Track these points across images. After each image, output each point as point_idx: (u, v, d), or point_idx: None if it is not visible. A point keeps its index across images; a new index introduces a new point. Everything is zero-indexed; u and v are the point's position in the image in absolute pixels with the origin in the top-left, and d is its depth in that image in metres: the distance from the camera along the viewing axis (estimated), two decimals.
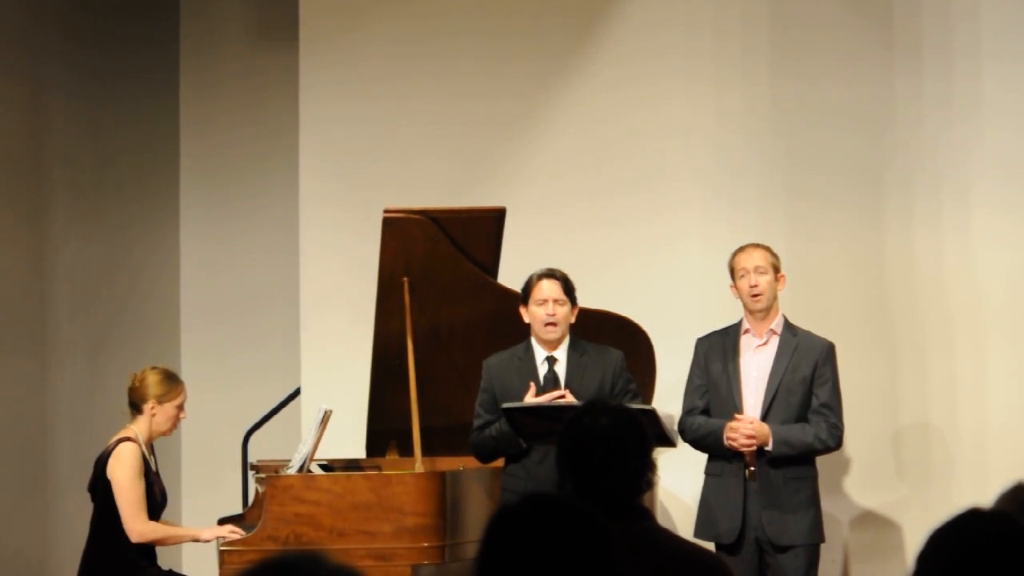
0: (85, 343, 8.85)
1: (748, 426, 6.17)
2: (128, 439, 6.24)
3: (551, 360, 6.27)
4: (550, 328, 6.21)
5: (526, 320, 6.28)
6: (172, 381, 6.37)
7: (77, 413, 8.64)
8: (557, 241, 7.62)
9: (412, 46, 7.95)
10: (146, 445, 6.29)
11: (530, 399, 6.10)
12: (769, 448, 6.16)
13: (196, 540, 6.47)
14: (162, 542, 6.39)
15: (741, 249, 6.43)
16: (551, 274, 6.27)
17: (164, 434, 6.39)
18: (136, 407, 6.32)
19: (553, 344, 6.26)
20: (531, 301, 6.26)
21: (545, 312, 6.22)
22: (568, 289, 6.26)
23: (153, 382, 6.31)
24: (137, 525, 6.18)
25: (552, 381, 6.21)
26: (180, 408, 6.36)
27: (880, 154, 7.50)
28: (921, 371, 7.42)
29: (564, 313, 6.24)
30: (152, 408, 6.29)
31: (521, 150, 7.87)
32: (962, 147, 7.38)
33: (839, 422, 6.29)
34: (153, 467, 6.34)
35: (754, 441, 6.15)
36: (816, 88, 7.55)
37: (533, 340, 6.30)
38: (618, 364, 6.27)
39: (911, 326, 7.44)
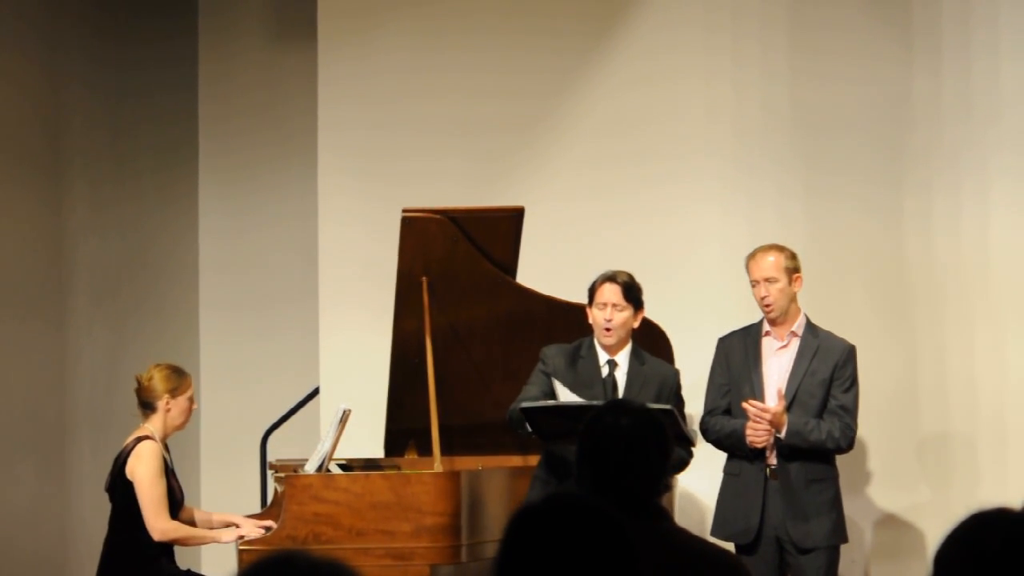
0: (104, 341, 8.85)
1: (765, 413, 6.11)
2: (147, 437, 6.25)
3: (612, 364, 6.19)
4: (606, 333, 6.13)
5: (590, 321, 6.22)
6: (180, 374, 6.40)
7: (96, 410, 8.65)
8: (576, 239, 7.60)
9: (430, 45, 7.95)
10: (162, 442, 6.30)
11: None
12: (781, 435, 6.13)
13: (217, 542, 6.48)
14: (184, 542, 6.39)
15: (752, 255, 6.36)
16: (612, 277, 6.19)
17: (179, 428, 6.39)
18: (149, 406, 6.32)
19: (613, 349, 6.18)
20: (594, 303, 6.19)
21: (603, 317, 6.14)
22: (630, 294, 6.15)
23: (163, 377, 6.33)
24: (160, 523, 6.18)
25: (612, 385, 6.14)
26: (191, 400, 6.39)
27: (899, 154, 7.47)
28: (941, 372, 7.39)
29: (622, 319, 6.14)
30: (167, 404, 6.30)
31: (539, 149, 7.85)
32: (981, 146, 7.35)
33: (853, 423, 6.24)
34: (170, 465, 6.34)
35: (768, 415, 6.09)
36: (835, 87, 7.52)
37: (595, 340, 6.22)
38: (674, 381, 6.22)
39: (931, 325, 7.41)
